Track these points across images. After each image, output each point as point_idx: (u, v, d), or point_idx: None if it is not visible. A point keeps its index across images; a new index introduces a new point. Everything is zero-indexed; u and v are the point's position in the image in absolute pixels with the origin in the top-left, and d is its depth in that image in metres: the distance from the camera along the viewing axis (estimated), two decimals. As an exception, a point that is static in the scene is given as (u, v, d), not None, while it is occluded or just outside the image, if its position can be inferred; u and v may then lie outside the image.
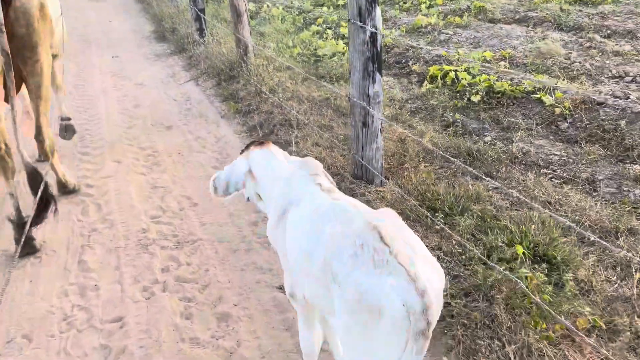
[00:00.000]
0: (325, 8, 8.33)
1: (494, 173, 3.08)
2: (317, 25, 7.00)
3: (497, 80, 4.26)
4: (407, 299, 1.14)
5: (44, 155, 2.89)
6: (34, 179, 2.53)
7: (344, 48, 5.70)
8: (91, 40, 8.00)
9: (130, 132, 4.23)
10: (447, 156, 2.48)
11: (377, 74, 2.70)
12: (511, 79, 4.31)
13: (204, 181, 3.36)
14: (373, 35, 2.62)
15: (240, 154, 1.83)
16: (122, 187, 3.33)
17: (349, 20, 2.68)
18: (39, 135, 2.71)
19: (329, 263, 1.28)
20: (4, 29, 2.22)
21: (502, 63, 4.83)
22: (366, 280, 1.18)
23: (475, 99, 4.06)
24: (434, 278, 1.22)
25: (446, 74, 4.65)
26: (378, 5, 2.58)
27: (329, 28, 6.93)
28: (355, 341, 1.24)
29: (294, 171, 1.63)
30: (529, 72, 4.64)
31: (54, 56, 3.13)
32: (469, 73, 4.52)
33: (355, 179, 2.92)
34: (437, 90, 4.49)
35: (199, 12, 6.20)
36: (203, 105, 4.70)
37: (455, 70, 4.58)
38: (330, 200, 1.46)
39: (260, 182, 1.72)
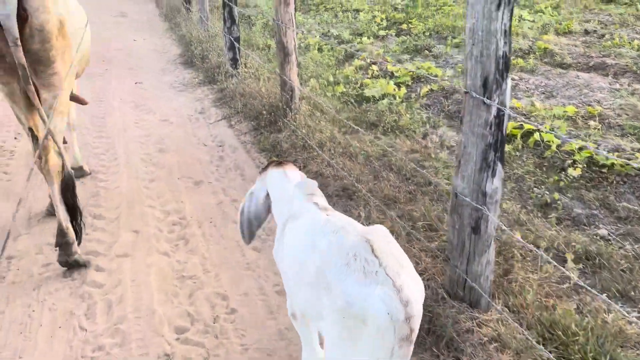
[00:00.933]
0: (365, 38, 7.68)
1: (631, 292, 2.33)
2: (361, 60, 6.33)
3: (596, 148, 3.53)
4: (391, 308, 1.23)
5: (47, 178, 2.60)
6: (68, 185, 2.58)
7: (395, 90, 5.01)
8: (112, 61, 7.41)
9: (152, 187, 3.54)
10: (565, 270, 1.76)
11: (499, 165, 1.98)
12: (616, 149, 3.57)
13: (243, 271, 2.65)
14: (499, 115, 1.90)
15: (260, 173, 1.86)
16: (141, 275, 2.61)
17: (466, 91, 1.96)
18: (43, 142, 2.47)
19: (322, 271, 1.36)
20: (19, 43, 2.20)
21: (592, 123, 4.10)
22: (356, 288, 1.27)
23: (574, 173, 3.32)
24: (417, 290, 1.31)
25: (527, 133, 3.93)
26: (509, 73, 1.87)
27: (374, 63, 6.26)
28: (342, 346, 1.30)
29: (293, 191, 1.68)
30: (628, 135, 3.90)
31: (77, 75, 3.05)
32: (556, 135, 3.79)
33: (454, 298, 2.18)
34: (517, 154, 3.76)
35: (233, 41, 5.56)
36: (238, 154, 4.01)
37: (539, 130, 3.86)
38: (325, 215, 1.53)
39: (273, 204, 1.75)
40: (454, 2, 10.42)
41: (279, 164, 1.80)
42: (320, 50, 7.19)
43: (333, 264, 1.32)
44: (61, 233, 2.56)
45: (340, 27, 8.59)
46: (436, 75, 5.41)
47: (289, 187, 1.71)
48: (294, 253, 1.51)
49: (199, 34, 7.22)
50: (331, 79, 5.56)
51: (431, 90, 5.03)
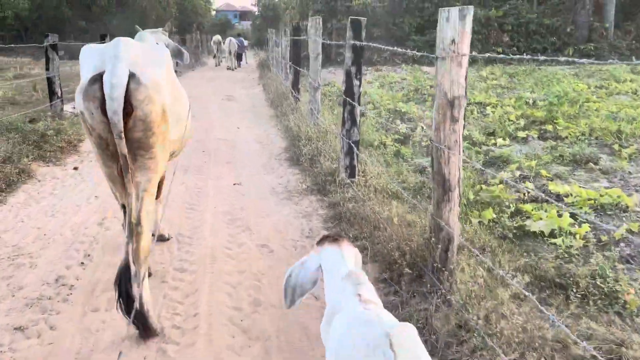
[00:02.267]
0: (500, 140, 6.42)
1: None
2: (508, 172, 5.04)
3: None
4: None
5: (134, 258, 2.48)
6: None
7: (573, 226, 3.62)
8: (211, 152, 6.80)
9: (239, 372, 2.41)
10: None
11: None
12: None
13: None
14: None
15: (316, 245, 1.85)
16: None
17: None
18: (136, 228, 2.46)
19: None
20: (123, 136, 2.28)
21: None
22: None
23: None
24: None
25: None
26: None
27: (525, 178, 4.94)
28: None
29: (343, 282, 1.67)
30: None
31: (171, 154, 3.02)
32: None
33: None
34: None
35: (352, 145, 4.56)
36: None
37: None
38: (361, 308, 1.55)
39: (326, 282, 1.75)
40: (598, 98, 8.94)
41: (335, 240, 1.82)
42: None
43: (356, 355, 1.40)
44: (141, 317, 2.47)
45: (466, 124, 7.42)
46: (627, 207, 3.95)
47: (343, 270, 1.71)
48: (332, 345, 1.57)
49: (308, 129, 6.41)
50: (471, 196, 4.31)
51: (630, 231, 3.57)
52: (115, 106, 2.24)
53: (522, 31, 20.91)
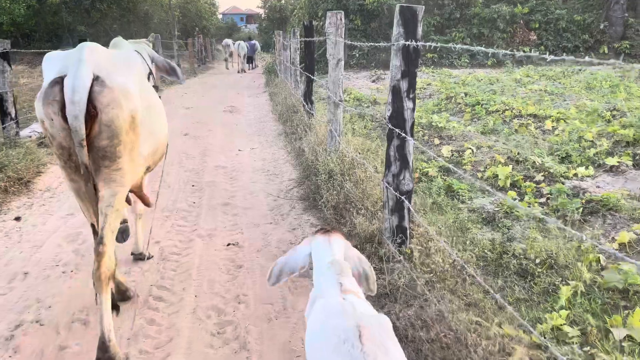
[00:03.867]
0: (583, 169, 4.82)
1: None
2: (631, 232, 3.44)
3: None
4: None
5: (96, 280, 2.30)
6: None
7: None
8: (204, 187, 5.27)
9: None
10: None
11: None
12: None
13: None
14: None
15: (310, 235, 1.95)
16: None
17: None
18: (99, 245, 2.29)
19: (319, 350, 1.48)
20: (85, 144, 2.13)
21: None
22: None
23: None
24: None
25: None
26: None
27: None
28: None
29: (328, 269, 1.73)
30: None
31: (147, 168, 2.80)
32: None
33: None
34: None
35: (402, 199, 3.01)
36: None
37: None
38: (339, 298, 1.60)
39: (314, 269, 1.80)
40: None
41: (327, 231, 1.88)
42: (519, 191, 4.44)
43: (327, 345, 1.43)
44: (102, 346, 2.28)
45: (525, 145, 5.83)
46: None
47: (329, 258, 1.76)
48: (307, 333, 1.63)
49: (328, 158, 4.85)
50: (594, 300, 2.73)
51: None
52: (76, 111, 2.10)
53: (551, 28, 19.18)
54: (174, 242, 3.86)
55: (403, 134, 2.95)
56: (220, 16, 59.65)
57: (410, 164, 3.03)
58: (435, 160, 5.50)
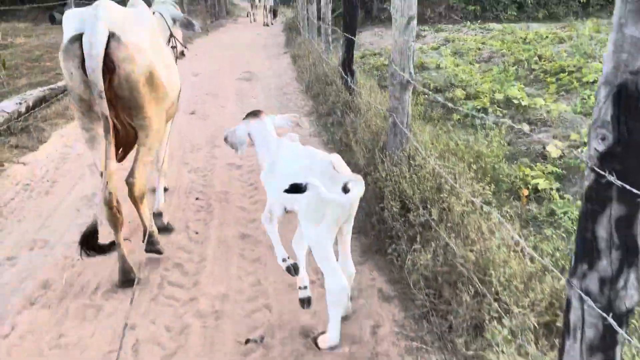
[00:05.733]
0: None
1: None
2: None
3: None
4: (344, 198, 1.95)
5: (131, 200, 2.71)
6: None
7: None
8: (212, 200, 3.72)
9: None
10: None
11: None
12: None
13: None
14: None
15: (243, 119, 2.49)
16: None
17: None
18: (130, 177, 2.63)
19: (303, 178, 1.94)
20: (104, 95, 2.30)
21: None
22: (327, 187, 1.94)
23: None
24: (357, 187, 1.96)
25: None
26: None
27: None
28: (311, 220, 2.06)
29: (281, 139, 2.39)
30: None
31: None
32: None
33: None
34: None
35: (611, 327, 1.36)
36: None
37: None
38: (302, 147, 2.32)
39: (256, 146, 2.42)
40: None
41: (255, 114, 2.48)
42: None
43: (312, 173, 2.00)
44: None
45: None
46: None
47: (268, 133, 2.42)
48: (286, 173, 2.15)
49: (395, 172, 3.19)
50: None
51: None
52: (94, 64, 2.24)
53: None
54: (157, 332, 2.33)
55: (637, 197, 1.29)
56: (234, -33, 56.36)
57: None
58: (542, 165, 3.82)
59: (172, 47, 3.57)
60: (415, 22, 3.38)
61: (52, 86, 7.30)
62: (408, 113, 3.55)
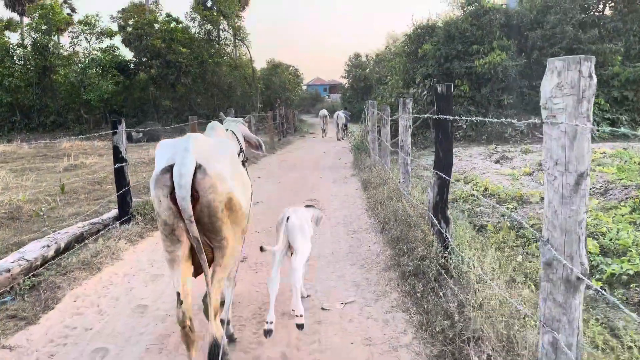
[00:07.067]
0: None
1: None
2: None
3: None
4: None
5: (206, 317, 2.88)
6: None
7: None
8: None
9: None
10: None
11: None
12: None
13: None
14: None
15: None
16: None
17: None
18: (206, 297, 2.75)
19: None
20: (193, 220, 2.47)
21: None
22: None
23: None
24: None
25: None
26: None
27: None
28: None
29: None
30: None
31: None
32: None
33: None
34: None
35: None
36: None
37: None
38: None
39: None
40: None
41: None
42: None
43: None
44: None
45: None
46: None
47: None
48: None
49: None
50: None
51: None
52: (183, 193, 2.45)
53: None
54: None
55: None
56: (304, 87, 59.90)
57: None
58: None
59: (242, 161, 3.66)
60: (588, 181, 2.04)
61: (94, 220, 6.49)
62: (579, 329, 2.08)
